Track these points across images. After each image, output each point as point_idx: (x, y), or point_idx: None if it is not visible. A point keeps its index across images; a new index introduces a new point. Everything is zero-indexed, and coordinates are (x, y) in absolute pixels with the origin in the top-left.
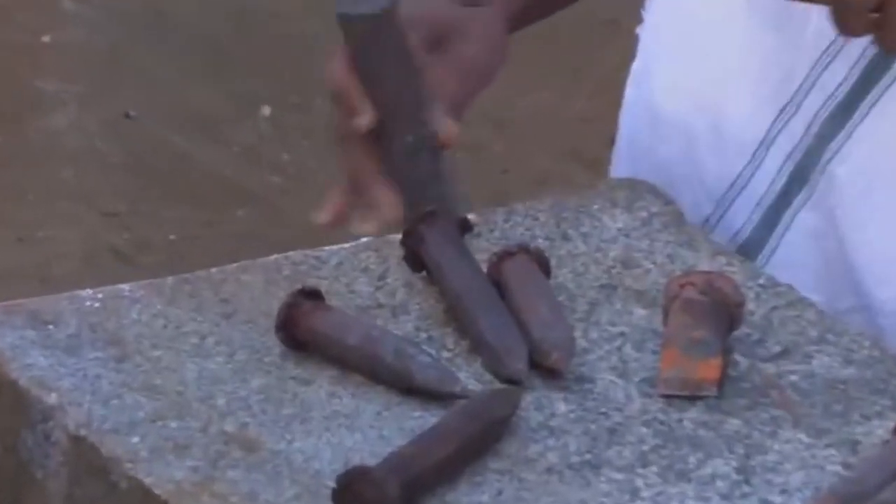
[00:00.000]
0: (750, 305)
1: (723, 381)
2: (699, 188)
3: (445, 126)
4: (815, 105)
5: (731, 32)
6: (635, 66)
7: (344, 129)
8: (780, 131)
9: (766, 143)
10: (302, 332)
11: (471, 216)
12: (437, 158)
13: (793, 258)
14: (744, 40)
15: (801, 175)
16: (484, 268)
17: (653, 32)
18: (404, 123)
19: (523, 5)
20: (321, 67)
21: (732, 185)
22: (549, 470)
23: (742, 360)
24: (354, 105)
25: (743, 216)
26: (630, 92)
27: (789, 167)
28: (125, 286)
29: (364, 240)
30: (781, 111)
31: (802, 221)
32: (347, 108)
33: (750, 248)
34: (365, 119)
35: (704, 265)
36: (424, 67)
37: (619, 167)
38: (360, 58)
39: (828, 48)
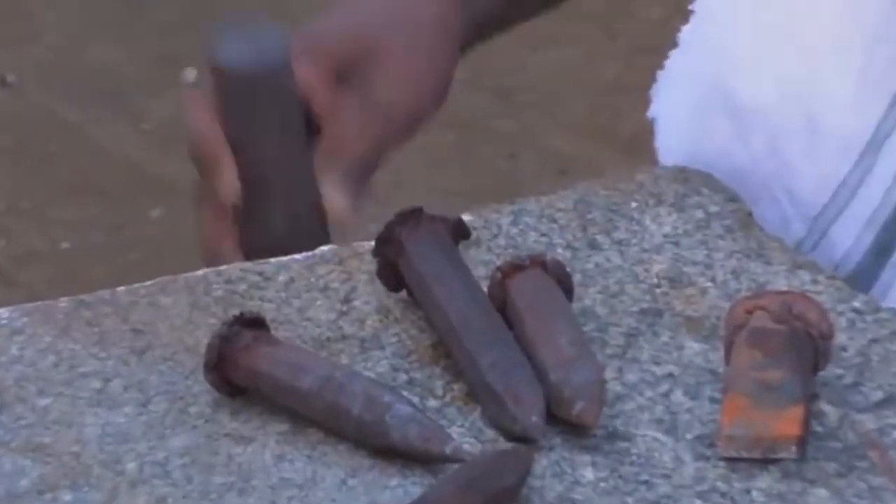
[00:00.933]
0: (842, 337)
1: (805, 439)
2: (788, 202)
3: (335, 199)
4: None
5: None
6: (687, 30)
7: (204, 192)
8: (894, 127)
9: (876, 142)
10: (240, 373)
11: (467, 216)
12: (324, 238)
13: None
14: (844, 6)
15: None
16: (485, 286)
17: None
18: (281, 199)
19: (492, 7)
20: (263, 17)
21: (833, 197)
22: None
23: (831, 411)
24: (221, 172)
25: (848, 239)
26: (676, 63)
27: None
28: (2, 311)
29: (323, 248)
30: None
31: None
32: (211, 172)
33: (858, 281)
34: (230, 194)
35: (780, 283)
36: (323, 102)
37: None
38: (233, 114)
39: None
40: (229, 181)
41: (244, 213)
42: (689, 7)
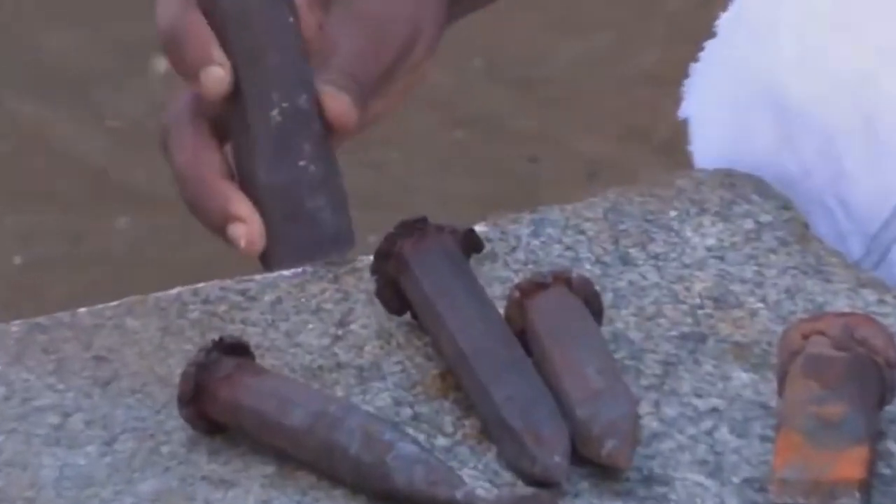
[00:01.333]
0: None
1: (870, 483)
2: (843, 216)
3: (335, 97)
4: None
5: None
6: (726, 17)
7: (177, 98)
8: None
9: None
10: (219, 407)
11: (480, 227)
12: (321, 152)
13: None
14: None
15: None
16: (501, 307)
17: None
18: (270, 93)
19: None
20: None
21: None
22: None
23: None
24: (204, 52)
25: None
26: (713, 55)
27: None
28: None
29: (315, 265)
30: None
31: None
32: (191, 58)
33: None
34: (219, 73)
35: (841, 303)
36: (309, 22)
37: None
38: None
39: None
40: (218, 60)
41: (235, 116)
42: None
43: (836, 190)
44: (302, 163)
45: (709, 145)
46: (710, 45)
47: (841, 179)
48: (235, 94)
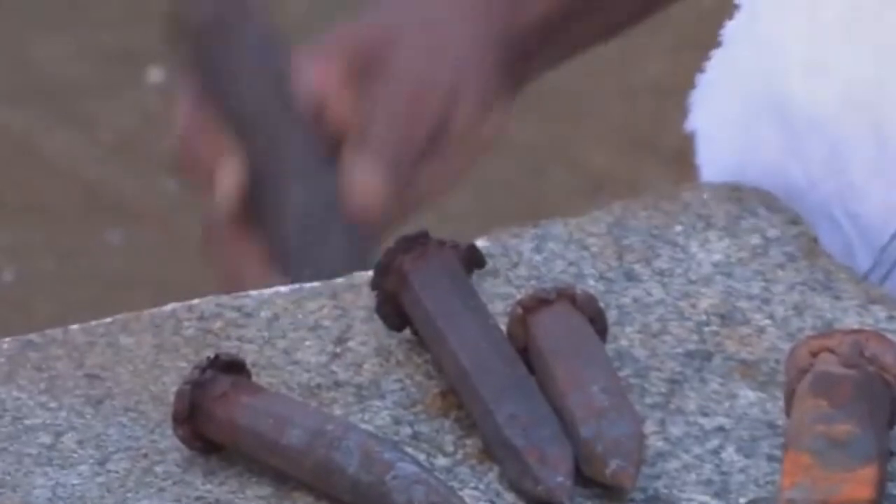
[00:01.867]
0: None
1: None
2: (851, 228)
3: (360, 176)
4: None
5: None
6: (732, 26)
7: (204, 206)
8: None
9: None
10: (215, 426)
11: (481, 242)
12: (353, 237)
13: None
14: None
15: None
16: (503, 323)
17: None
18: (284, 174)
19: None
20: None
21: None
22: None
23: None
24: (220, 171)
25: None
26: (719, 65)
27: None
28: None
29: (315, 283)
30: None
31: None
32: (203, 165)
33: None
34: (230, 178)
35: (851, 320)
36: (342, 101)
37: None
38: (206, 79)
39: None
40: (229, 181)
41: (259, 219)
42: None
43: (844, 201)
44: (330, 245)
45: (716, 158)
46: (715, 55)
47: (849, 190)
48: (253, 191)
